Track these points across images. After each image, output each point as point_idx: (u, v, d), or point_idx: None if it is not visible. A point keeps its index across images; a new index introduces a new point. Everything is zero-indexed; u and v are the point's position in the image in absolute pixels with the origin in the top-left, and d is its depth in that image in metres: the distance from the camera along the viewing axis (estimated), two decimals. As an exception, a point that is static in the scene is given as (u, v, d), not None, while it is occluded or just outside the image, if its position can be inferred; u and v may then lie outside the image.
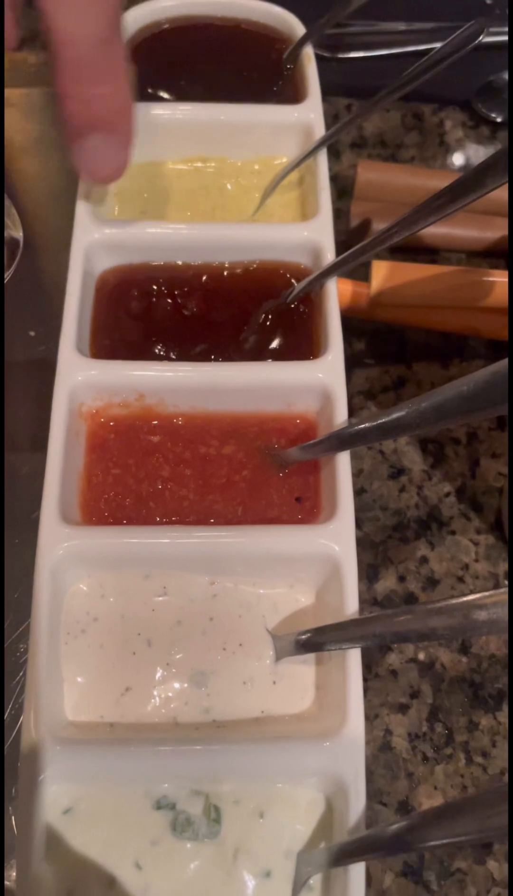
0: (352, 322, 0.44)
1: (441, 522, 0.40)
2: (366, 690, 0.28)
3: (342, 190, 0.49)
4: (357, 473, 0.41)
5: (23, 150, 0.49)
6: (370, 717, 0.35)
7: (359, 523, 0.31)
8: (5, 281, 0.30)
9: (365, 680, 0.28)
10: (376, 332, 0.45)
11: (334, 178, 0.41)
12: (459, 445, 0.42)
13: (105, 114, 0.30)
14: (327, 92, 0.42)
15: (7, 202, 0.29)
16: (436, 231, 0.46)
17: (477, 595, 0.26)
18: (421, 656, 0.37)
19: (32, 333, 0.43)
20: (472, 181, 0.30)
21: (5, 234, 0.29)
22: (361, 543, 0.32)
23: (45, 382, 0.34)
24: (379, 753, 0.35)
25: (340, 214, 0.48)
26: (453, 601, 0.26)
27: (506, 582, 0.39)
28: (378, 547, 0.40)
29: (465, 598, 0.26)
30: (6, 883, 0.32)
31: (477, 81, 0.53)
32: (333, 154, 0.51)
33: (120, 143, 0.32)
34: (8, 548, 0.39)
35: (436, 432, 0.42)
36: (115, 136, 0.31)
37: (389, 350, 0.45)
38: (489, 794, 0.22)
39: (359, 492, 0.41)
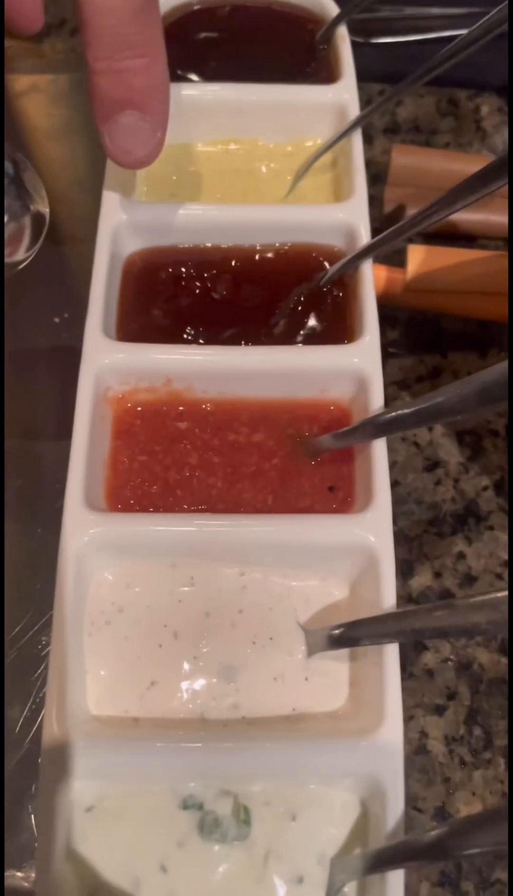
0: (386, 310, 0.42)
1: (479, 517, 0.39)
2: (402, 717, 0.27)
3: (375, 176, 0.48)
4: (391, 466, 0.39)
5: (49, 135, 0.49)
6: (405, 719, 0.34)
7: (393, 517, 0.30)
8: (30, 259, 0.29)
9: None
10: (411, 321, 0.44)
11: (367, 165, 0.40)
12: (497, 438, 0.40)
13: (139, 90, 0.29)
14: (361, 77, 0.41)
15: (33, 174, 0.28)
16: (473, 217, 0.45)
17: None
18: (458, 656, 0.35)
19: (57, 320, 0.42)
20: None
21: (31, 207, 0.28)
22: (395, 538, 0.31)
23: (70, 370, 0.33)
24: (414, 757, 0.34)
25: (373, 201, 0.46)
26: (498, 594, 0.25)
27: (547, 580, 0.37)
28: (413, 542, 0.38)
29: (508, 592, 0.25)
30: (25, 884, 0.31)
31: (515, 66, 0.52)
32: (366, 140, 0.50)
33: (154, 122, 0.30)
34: (31, 538, 0.38)
35: (474, 423, 0.41)
36: (150, 115, 0.30)
37: (424, 339, 0.43)
38: None
39: (393, 485, 0.39)
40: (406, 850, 0.24)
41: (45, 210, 0.29)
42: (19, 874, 0.31)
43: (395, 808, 0.26)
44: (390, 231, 0.34)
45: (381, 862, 0.24)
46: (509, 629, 0.24)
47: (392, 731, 0.27)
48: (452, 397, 0.27)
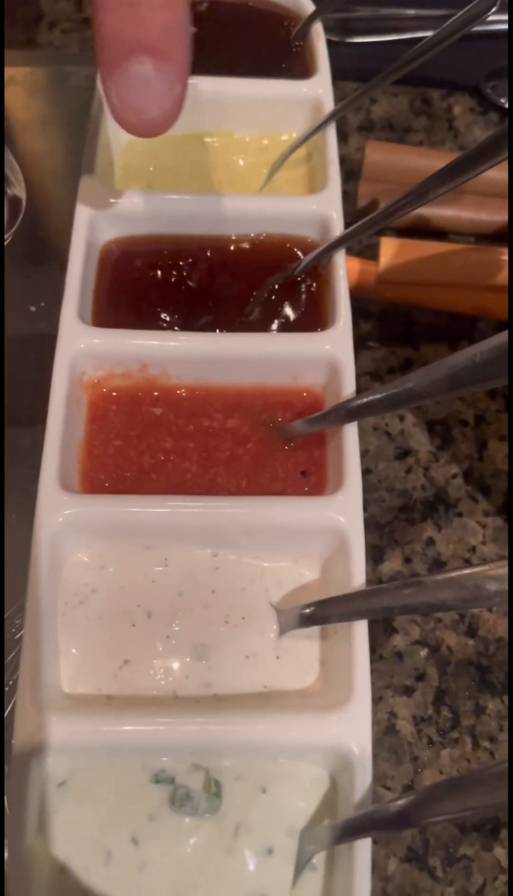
0: (359, 303, 0.43)
1: (448, 504, 0.39)
2: (370, 672, 0.27)
3: (349, 173, 0.49)
4: (363, 454, 0.40)
5: (27, 128, 0.49)
6: (374, 700, 0.34)
7: (364, 504, 0.31)
8: (6, 242, 0.29)
9: (370, 662, 0.28)
10: (383, 314, 0.44)
11: (341, 161, 0.40)
12: (466, 427, 0.41)
13: (156, 30, 0.23)
14: (336, 76, 0.42)
15: (8, 156, 0.28)
16: (444, 213, 0.46)
17: (488, 566, 0.25)
18: (427, 639, 0.36)
19: (33, 308, 0.43)
20: (490, 142, 0.29)
21: (8, 191, 0.28)
22: (366, 525, 0.31)
23: (46, 357, 0.33)
24: (383, 737, 0.34)
25: (347, 197, 0.47)
26: (464, 571, 0.26)
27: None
28: (384, 528, 0.39)
29: (475, 569, 0.25)
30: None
31: (486, 67, 0.53)
32: (341, 137, 0.51)
33: (173, 72, 0.24)
34: (6, 523, 0.38)
35: (445, 413, 0.41)
36: (168, 63, 0.24)
37: (396, 331, 0.44)
38: (494, 769, 0.21)
39: (364, 473, 0.40)
40: (373, 819, 0.25)
41: (22, 195, 0.29)
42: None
43: (363, 781, 0.26)
44: (364, 221, 0.35)
45: (348, 831, 0.25)
46: (509, 600, 0.24)
47: (361, 705, 0.27)
48: (422, 382, 0.28)
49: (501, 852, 0.32)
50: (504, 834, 0.32)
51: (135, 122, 0.25)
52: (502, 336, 0.24)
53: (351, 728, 0.27)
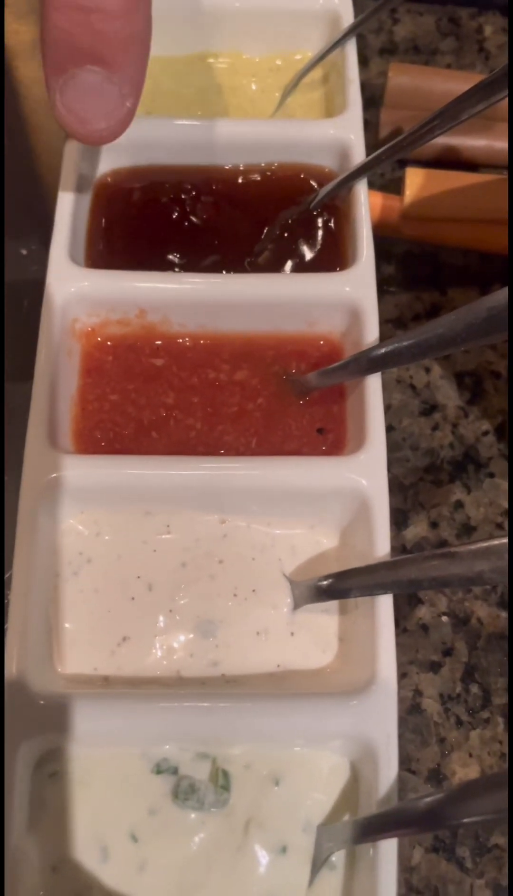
0: (381, 244, 0.39)
1: (479, 464, 0.36)
2: (396, 675, 0.25)
3: (370, 100, 0.44)
4: (385, 410, 0.37)
5: (15, 53, 0.45)
6: (398, 676, 0.31)
7: (387, 464, 0.28)
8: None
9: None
10: (408, 255, 0.40)
11: (362, 87, 0.36)
12: (498, 379, 0.38)
13: (109, 38, 0.22)
14: None
15: None
16: (476, 144, 0.42)
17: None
18: (455, 610, 0.33)
19: (24, 252, 0.39)
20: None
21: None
22: (389, 486, 0.28)
23: (38, 307, 0.30)
24: (408, 716, 0.31)
25: (369, 126, 0.42)
26: (503, 540, 0.22)
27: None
28: (408, 490, 0.36)
29: (516, 536, 0.22)
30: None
31: (521, -18, 0.48)
32: (361, 61, 0.46)
33: (124, 85, 0.23)
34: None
35: (475, 363, 0.38)
36: (119, 74, 0.22)
37: (422, 274, 0.40)
38: None
39: (387, 430, 0.36)
40: (399, 817, 0.22)
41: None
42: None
43: (387, 771, 0.24)
44: (388, 147, 0.31)
45: (372, 829, 0.22)
46: (509, 578, 0.22)
47: (385, 688, 0.24)
48: (456, 326, 0.25)
49: (536, 841, 0.30)
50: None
51: (76, 129, 0.24)
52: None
53: (374, 712, 0.24)
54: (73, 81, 0.22)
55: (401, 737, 0.31)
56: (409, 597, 0.33)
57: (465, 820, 0.20)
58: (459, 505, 0.35)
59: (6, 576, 0.34)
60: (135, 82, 0.23)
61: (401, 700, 0.32)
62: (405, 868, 0.29)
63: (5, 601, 0.33)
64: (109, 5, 0.21)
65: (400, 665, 0.32)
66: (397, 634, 0.28)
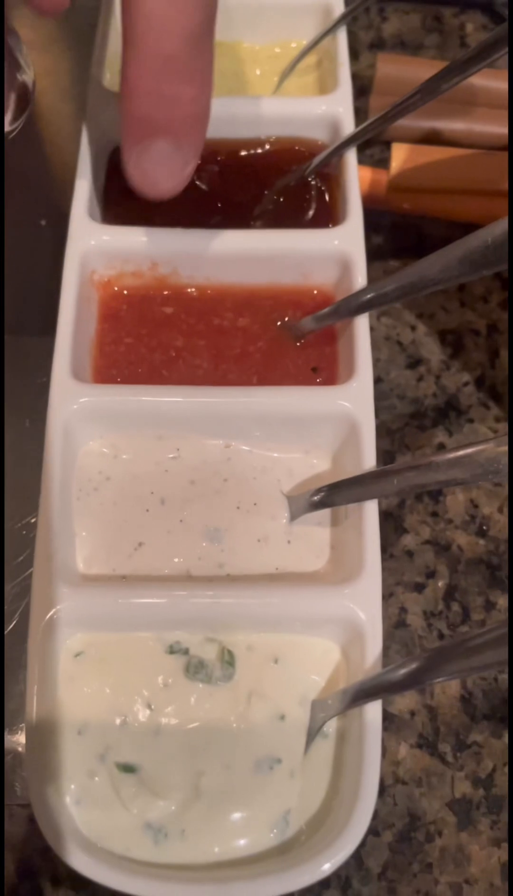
0: (370, 216, 0.42)
1: (459, 411, 0.39)
2: (381, 569, 0.28)
3: (361, 89, 0.48)
4: (374, 363, 0.40)
5: (33, 46, 0.48)
6: (385, 596, 0.35)
7: (375, 411, 0.31)
8: (17, 130, 0.29)
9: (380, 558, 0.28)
10: (394, 226, 0.44)
11: (352, 78, 0.40)
12: (478, 336, 0.41)
13: (181, 119, 0.26)
14: None
15: (16, 38, 0.28)
16: (456, 126, 0.45)
17: (492, 441, 0.25)
18: (437, 538, 0.36)
19: (43, 223, 0.43)
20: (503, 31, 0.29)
21: (18, 76, 0.28)
22: (378, 431, 0.31)
23: (56, 268, 0.33)
24: (394, 630, 0.35)
25: (359, 113, 0.46)
26: (474, 448, 0.26)
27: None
28: (395, 434, 0.39)
29: (486, 444, 0.25)
30: (18, 748, 0.31)
31: (500, -18, 0.52)
32: (352, 55, 0.50)
33: (188, 154, 0.28)
34: (19, 431, 0.38)
35: (456, 322, 0.41)
36: (186, 146, 0.27)
37: (407, 244, 0.44)
38: (493, 633, 0.21)
39: (376, 381, 0.39)
40: (382, 682, 0.25)
41: (31, 79, 0.29)
42: (11, 737, 0.31)
43: (374, 649, 0.27)
44: (376, 118, 0.34)
45: (359, 695, 0.25)
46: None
47: (370, 578, 0.27)
48: (434, 267, 0.28)
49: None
50: (514, 721, 0.33)
51: (146, 188, 0.28)
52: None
53: (361, 598, 0.27)
54: (147, 152, 0.27)
55: (388, 648, 0.34)
56: (395, 526, 0.37)
57: (437, 679, 0.24)
58: (441, 446, 0.39)
59: (26, 518, 0.37)
60: (197, 150, 0.28)
61: (388, 617, 0.35)
62: (392, 762, 0.32)
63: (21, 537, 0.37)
64: (184, 94, 0.26)
65: (387, 586, 0.35)
66: (385, 559, 0.32)
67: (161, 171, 0.28)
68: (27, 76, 0.29)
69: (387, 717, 0.33)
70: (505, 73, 0.46)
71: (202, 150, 0.37)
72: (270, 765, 0.26)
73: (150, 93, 0.25)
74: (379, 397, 0.39)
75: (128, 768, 0.26)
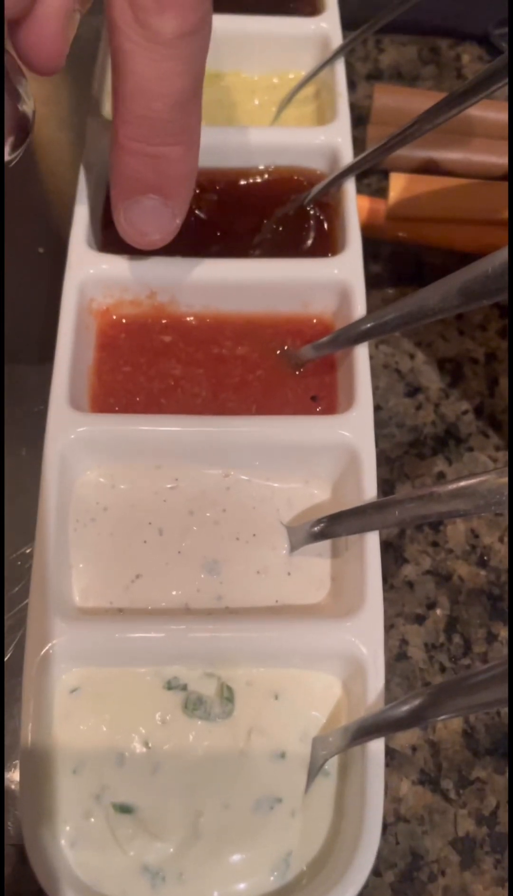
0: (368, 244, 0.43)
1: (459, 439, 0.39)
2: (382, 600, 0.27)
3: (359, 119, 0.48)
4: (373, 391, 0.40)
5: (32, 77, 0.49)
6: (386, 628, 0.34)
7: (375, 440, 0.31)
8: (16, 160, 0.29)
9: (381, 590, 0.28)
10: (393, 255, 0.44)
11: (350, 108, 0.40)
12: (477, 364, 0.41)
13: (169, 177, 0.27)
14: (346, 26, 0.41)
15: (16, 68, 0.28)
16: (454, 157, 0.46)
17: (494, 472, 0.25)
18: (438, 569, 0.36)
19: (42, 250, 0.43)
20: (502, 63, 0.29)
21: (19, 107, 0.28)
22: (377, 460, 0.31)
23: (55, 298, 0.33)
24: (395, 663, 0.34)
25: (357, 143, 0.47)
26: (476, 479, 0.25)
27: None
28: (394, 462, 0.39)
29: (488, 475, 0.25)
30: (11, 786, 0.31)
31: (495, 15, 0.53)
32: (349, 86, 0.50)
33: (176, 208, 0.29)
34: (16, 458, 0.38)
35: (455, 351, 0.41)
36: (173, 201, 0.28)
37: (406, 273, 0.44)
38: (495, 671, 0.21)
39: (375, 409, 0.39)
40: (385, 719, 0.24)
41: (31, 110, 0.29)
42: (5, 775, 0.31)
43: (375, 685, 0.26)
44: (375, 148, 0.34)
45: (361, 733, 0.25)
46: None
47: (372, 612, 0.27)
48: (433, 297, 0.28)
49: (514, 775, 0.32)
50: (517, 756, 0.32)
51: (136, 239, 0.30)
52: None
53: (363, 632, 0.27)
54: (137, 206, 0.28)
55: (389, 681, 0.33)
56: (396, 556, 0.36)
57: (441, 717, 0.23)
58: (441, 475, 0.38)
59: (22, 548, 0.36)
60: (184, 205, 0.29)
61: (389, 649, 0.34)
62: (394, 798, 0.32)
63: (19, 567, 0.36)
64: (172, 154, 0.27)
65: (388, 618, 0.35)
66: (386, 590, 0.31)
67: (150, 224, 0.29)
68: (27, 106, 0.28)
69: (388, 753, 0.32)
70: (502, 104, 0.46)
71: (202, 179, 0.37)
72: (271, 804, 0.26)
73: (137, 152, 0.26)
74: (378, 425, 0.39)
75: (125, 808, 0.25)
